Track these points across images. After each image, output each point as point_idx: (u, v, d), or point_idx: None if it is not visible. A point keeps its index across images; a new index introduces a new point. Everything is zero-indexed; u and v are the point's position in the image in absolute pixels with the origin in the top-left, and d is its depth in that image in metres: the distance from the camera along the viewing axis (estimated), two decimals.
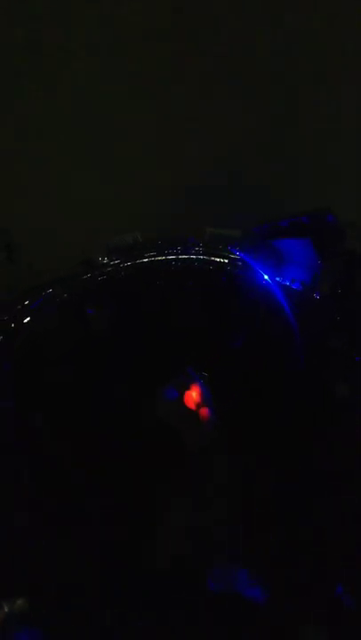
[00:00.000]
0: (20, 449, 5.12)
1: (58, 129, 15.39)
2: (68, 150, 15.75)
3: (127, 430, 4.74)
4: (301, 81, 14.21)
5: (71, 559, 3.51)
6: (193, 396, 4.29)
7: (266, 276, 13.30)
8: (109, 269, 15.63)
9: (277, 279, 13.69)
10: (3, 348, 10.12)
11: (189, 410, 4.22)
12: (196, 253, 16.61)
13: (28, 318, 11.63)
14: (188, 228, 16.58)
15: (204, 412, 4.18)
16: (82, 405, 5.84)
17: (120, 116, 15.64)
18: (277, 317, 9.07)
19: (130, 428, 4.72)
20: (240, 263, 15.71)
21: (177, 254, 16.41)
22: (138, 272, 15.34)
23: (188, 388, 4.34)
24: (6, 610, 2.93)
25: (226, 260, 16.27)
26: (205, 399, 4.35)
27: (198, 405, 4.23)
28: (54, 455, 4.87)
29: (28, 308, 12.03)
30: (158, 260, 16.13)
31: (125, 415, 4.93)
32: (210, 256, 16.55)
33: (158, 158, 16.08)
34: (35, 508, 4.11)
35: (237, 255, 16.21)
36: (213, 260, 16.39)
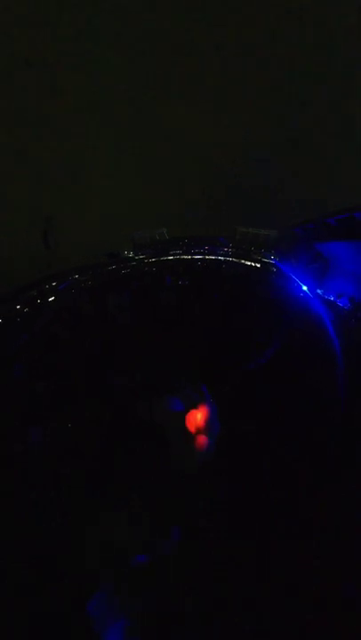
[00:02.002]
0: (29, 415, 5.31)
1: (94, 132, 16.17)
2: (101, 151, 16.46)
3: (119, 425, 4.71)
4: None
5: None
6: (198, 416, 3.87)
7: (305, 288, 10.34)
8: (133, 264, 15.44)
9: (319, 292, 10.59)
10: (27, 319, 11.13)
11: (188, 429, 3.83)
12: (225, 255, 14.93)
13: (53, 297, 12.55)
14: (220, 226, 15.46)
15: (203, 437, 3.80)
16: (83, 389, 5.88)
17: (153, 116, 16.09)
18: (315, 342, 7.01)
19: (122, 424, 4.68)
20: (274, 269, 13.37)
21: (204, 254, 15.10)
22: (160, 269, 14.59)
23: (195, 406, 3.93)
24: None
25: (258, 265, 14.15)
26: (210, 424, 3.91)
27: (200, 428, 3.82)
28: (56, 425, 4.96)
29: (55, 289, 12.92)
30: (183, 259, 15.13)
31: (122, 410, 4.90)
32: (239, 259, 14.59)
33: (188, 156, 16.21)
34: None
35: (271, 260, 13.93)
36: (243, 264, 14.43)
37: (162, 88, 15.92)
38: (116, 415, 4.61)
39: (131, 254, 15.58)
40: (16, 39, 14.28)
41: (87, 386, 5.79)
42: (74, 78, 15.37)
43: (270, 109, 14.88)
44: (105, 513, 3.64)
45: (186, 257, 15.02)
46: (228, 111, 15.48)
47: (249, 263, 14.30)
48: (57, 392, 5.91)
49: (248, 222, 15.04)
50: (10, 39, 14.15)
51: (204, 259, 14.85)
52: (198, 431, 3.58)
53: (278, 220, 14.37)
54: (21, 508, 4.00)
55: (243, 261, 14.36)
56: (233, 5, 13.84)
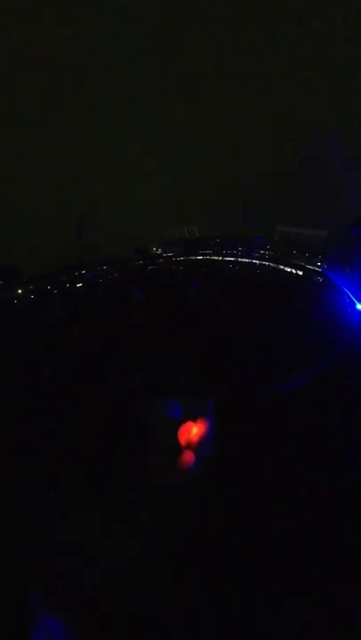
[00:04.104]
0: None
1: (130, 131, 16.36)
2: (101, 150, 16.59)
3: (118, 421, 4.75)
4: None
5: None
6: (194, 430, 3.63)
7: (359, 306, 8.37)
8: (161, 261, 14.75)
9: None
10: (56, 299, 11.91)
11: (181, 439, 3.64)
12: (261, 258, 12.76)
13: (81, 284, 13.04)
14: (259, 225, 13.20)
15: (193, 453, 3.62)
16: (93, 379, 5.92)
17: (153, 116, 16.13)
18: None
19: (121, 420, 4.71)
20: (320, 279, 11.04)
21: (236, 256, 13.26)
22: (188, 269, 13.65)
23: (194, 418, 3.71)
24: None
25: (300, 273, 11.66)
26: (206, 442, 3.70)
27: (192, 444, 3.61)
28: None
29: (84, 277, 13.25)
30: (213, 260, 13.69)
31: (124, 408, 4.94)
32: (278, 264, 12.28)
33: (226, 149, 16.10)
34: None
35: (318, 266, 11.41)
36: (282, 270, 12.10)
37: (162, 88, 15.96)
38: (122, 414, 4.65)
39: (159, 251, 14.71)
40: (16, 39, 14.34)
41: (95, 381, 5.81)
42: (74, 78, 15.41)
43: (270, 109, 14.90)
44: (105, 513, 3.65)
45: (216, 258, 13.43)
46: (228, 111, 15.52)
47: (289, 270, 11.99)
48: (64, 384, 5.93)
49: (248, 222, 14.84)
50: (10, 39, 14.22)
51: (237, 261, 13.11)
52: (188, 445, 3.40)
53: (277, 221, 14.15)
54: (21, 508, 4.00)
55: (281, 267, 12.11)
56: (233, 5, 13.88)
